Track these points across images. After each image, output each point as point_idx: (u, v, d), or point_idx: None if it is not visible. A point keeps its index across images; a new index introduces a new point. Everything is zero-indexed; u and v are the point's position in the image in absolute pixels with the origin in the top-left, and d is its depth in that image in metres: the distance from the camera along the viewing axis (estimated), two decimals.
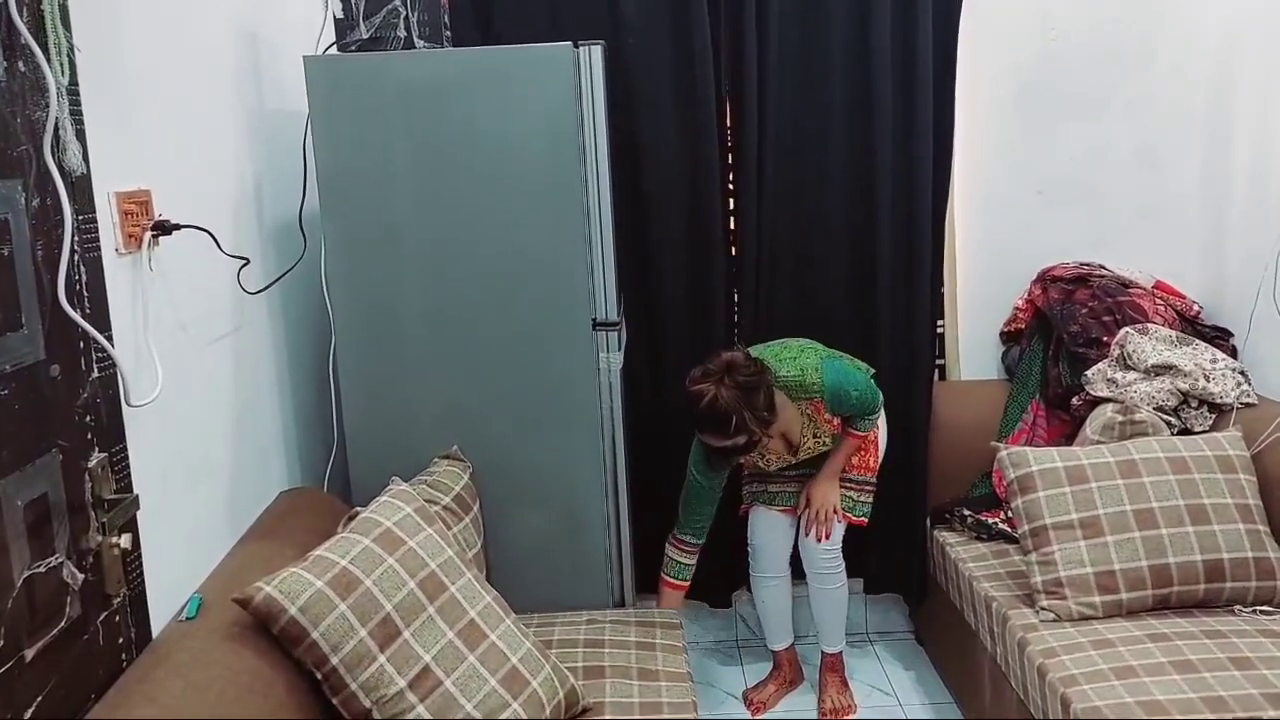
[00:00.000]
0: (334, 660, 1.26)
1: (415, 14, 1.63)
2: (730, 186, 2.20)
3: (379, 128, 1.68)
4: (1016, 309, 2.48)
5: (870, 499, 2.11)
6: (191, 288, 1.42)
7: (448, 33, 1.81)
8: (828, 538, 2.08)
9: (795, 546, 2.16)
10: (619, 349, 1.79)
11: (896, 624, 2.51)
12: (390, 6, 1.61)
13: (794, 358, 1.95)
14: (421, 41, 1.69)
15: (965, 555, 2.14)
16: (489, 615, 1.42)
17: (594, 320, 1.76)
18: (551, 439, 1.81)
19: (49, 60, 1.07)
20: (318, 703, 1.29)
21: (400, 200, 1.71)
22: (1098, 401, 2.16)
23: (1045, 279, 2.42)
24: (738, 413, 1.76)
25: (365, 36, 1.64)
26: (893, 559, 2.33)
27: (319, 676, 1.28)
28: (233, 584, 1.35)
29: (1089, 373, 2.21)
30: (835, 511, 2.06)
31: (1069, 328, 2.29)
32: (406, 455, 1.76)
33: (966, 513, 2.26)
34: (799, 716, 2.19)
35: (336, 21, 1.69)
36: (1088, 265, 2.44)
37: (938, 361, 2.43)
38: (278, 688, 1.23)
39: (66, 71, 1.11)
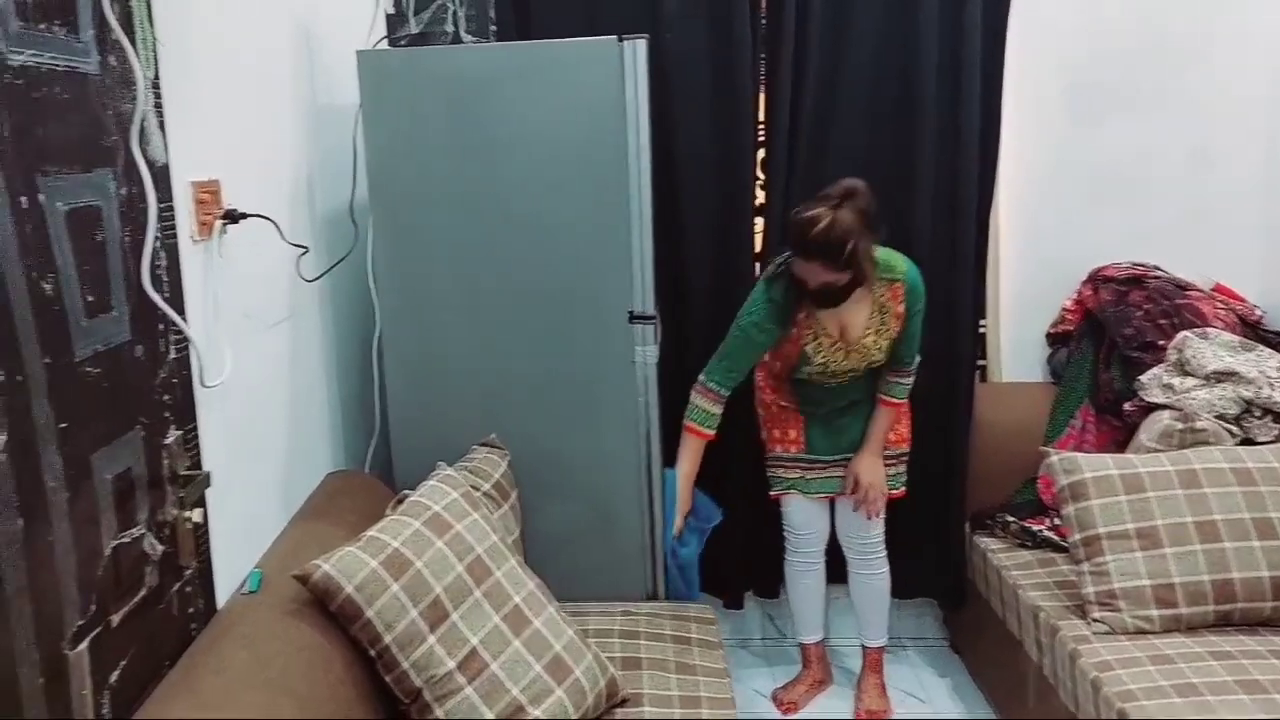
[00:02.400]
0: (387, 639, 1.38)
1: (463, 10, 1.73)
2: (761, 179, 2.28)
3: (427, 121, 1.79)
4: (1065, 310, 2.53)
5: (905, 470, 2.17)
6: (253, 275, 1.54)
7: (493, 28, 1.91)
8: (879, 515, 2.13)
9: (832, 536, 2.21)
10: (655, 342, 1.89)
11: (929, 630, 2.58)
12: (439, 2, 1.72)
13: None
14: (468, 36, 1.80)
15: (1009, 562, 2.20)
16: (532, 602, 1.53)
17: (630, 313, 1.86)
18: (587, 430, 1.91)
19: (137, 54, 1.19)
20: (371, 679, 1.40)
21: (445, 192, 1.83)
22: (1152, 408, 2.20)
23: (1097, 279, 2.47)
24: (854, 239, 1.76)
25: (415, 31, 1.75)
26: (928, 563, 2.40)
27: (372, 654, 1.39)
28: (289, 561, 1.47)
29: (1143, 378, 2.26)
30: (882, 486, 2.10)
31: (1122, 330, 2.33)
32: (446, 441, 1.87)
33: (1010, 519, 2.32)
34: (833, 718, 2.27)
35: (388, 17, 1.80)
36: (1142, 266, 2.48)
37: (979, 362, 2.49)
38: (336, 663, 1.34)
39: (151, 65, 1.23)
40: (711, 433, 2.01)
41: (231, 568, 1.43)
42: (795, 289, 1.93)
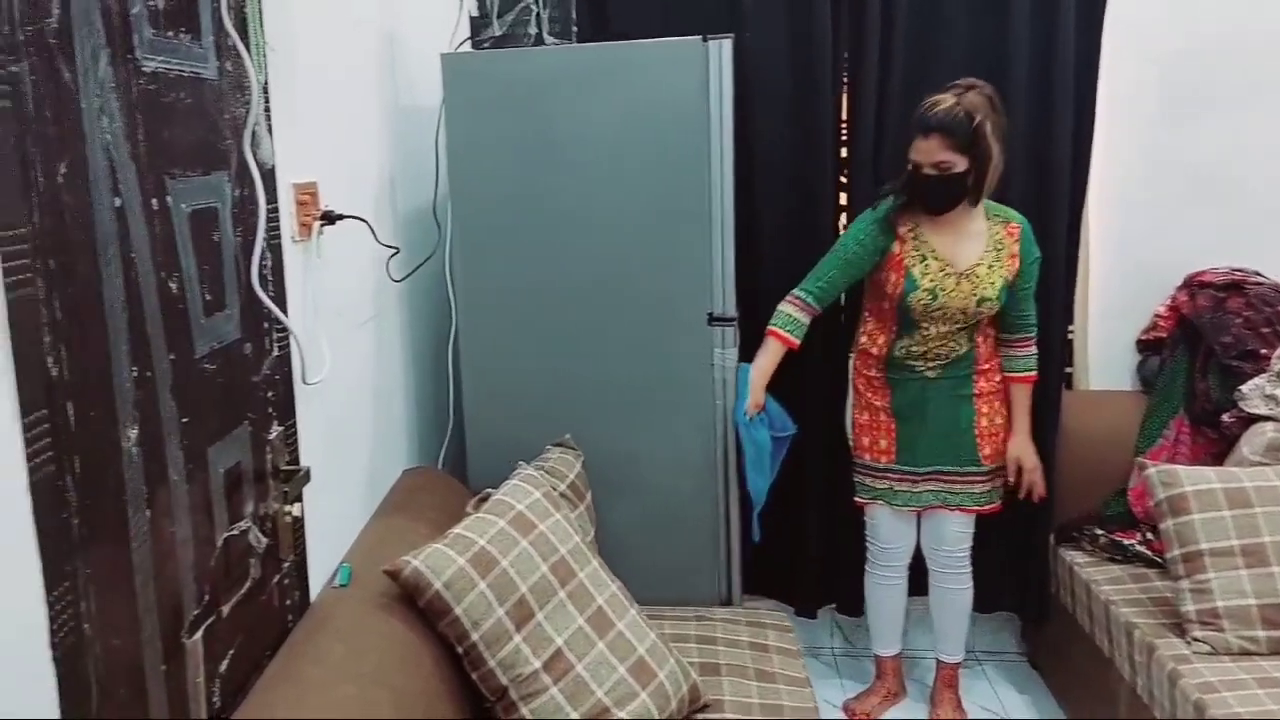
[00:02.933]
0: (474, 636, 1.43)
1: (546, 11, 1.78)
2: (843, 180, 2.29)
3: (508, 122, 1.85)
4: (1157, 316, 2.50)
5: (1002, 485, 2.16)
6: (344, 275, 1.61)
7: (575, 29, 1.97)
8: (1044, 498, 2.14)
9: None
10: (734, 344, 1.91)
11: (1007, 644, 2.57)
12: (523, 4, 1.77)
13: None
14: (551, 38, 1.85)
15: (1098, 577, 2.19)
16: (615, 604, 1.57)
17: (710, 315, 1.90)
18: (663, 433, 1.95)
19: (252, 59, 1.26)
20: (457, 676, 1.46)
21: (525, 193, 1.89)
22: (1253, 420, 2.18)
23: (1193, 285, 2.44)
24: (981, 117, 1.82)
25: (498, 34, 1.81)
26: (1009, 576, 2.39)
27: (460, 651, 1.45)
28: (375, 555, 1.54)
29: (1244, 388, 2.23)
30: (1039, 470, 2.12)
31: (1221, 339, 2.30)
32: (519, 440, 1.93)
33: (1099, 532, 2.31)
34: None
35: (471, 20, 1.86)
36: (1241, 271, 2.44)
37: (1065, 369, 2.47)
38: (425, 659, 1.40)
39: (263, 70, 1.30)
40: (795, 340, 2.03)
41: (322, 561, 1.50)
42: (900, 201, 1.97)
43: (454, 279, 1.97)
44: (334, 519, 1.58)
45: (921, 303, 1.99)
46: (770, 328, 2.04)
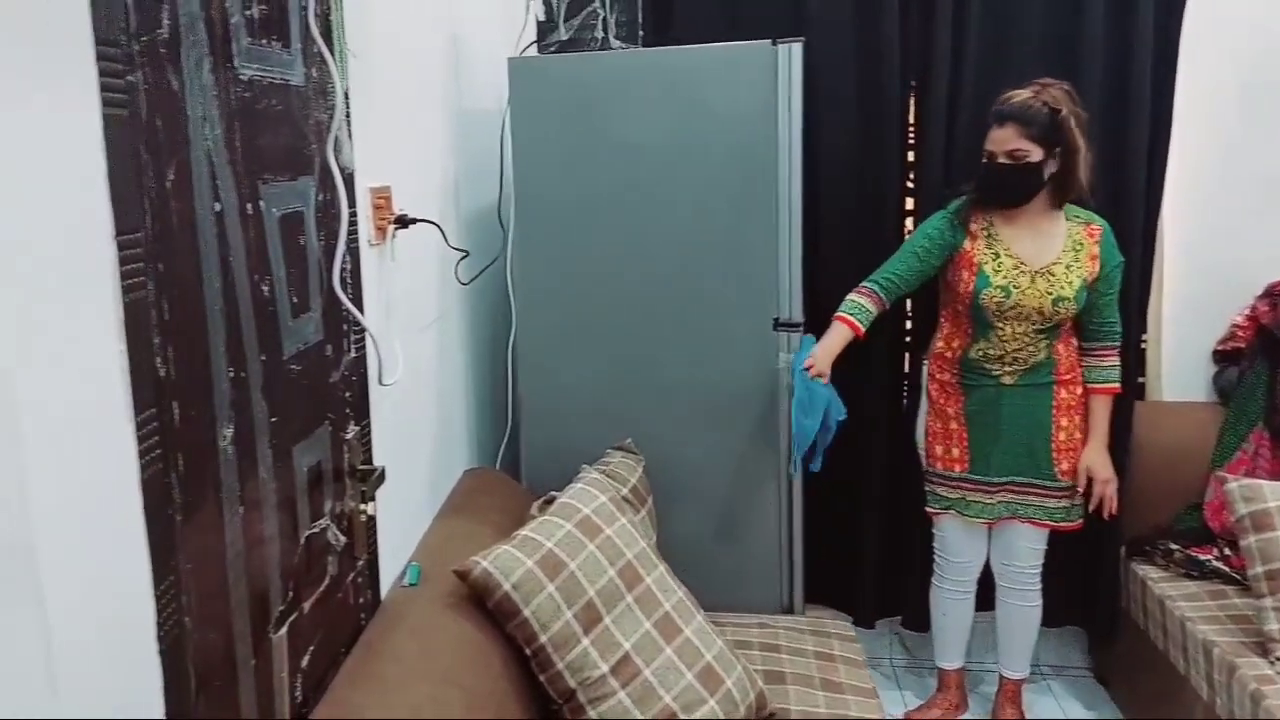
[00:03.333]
0: (543, 638, 1.47)
1: (613, 15, 1.82)
2: (910, 185, 2.30)
3: (573, 126, 1.89)
4: (1235, 326, 2.48)
5: (1083, 501, 2.13)
6: (413, 277, 1.66)
7: (642, 33, 2.00)
8: (1116, 515, 2.11)
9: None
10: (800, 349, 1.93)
11: (1072, 659, 2.55)
12: (590, 8, 1.81)
13: None
14: (617, 42, 1.88)
15: (1173, 592, 2.17)
16: (682, 610, 1.60)
17: (776, 320, 1.92)
18: (724, 437, 1.98)
19: (336, 66, 1.31)
20: (524, 677, 1.49)
21: (589, 196, 1.93)
22: None
23: (1274, 293, 2.41)
24: (1061, 109, 1.85)
25: (565, 38, 1.85)
26: (1077, 590, 2.38)
27: (528, 652, 1.48)
28: (441, 555, 1.58)
29: None
30: (1114, 483, 2.09)
31: None
32: (577, 443, 1.98)
33: (1173, 546, 2.29)
34: None
35: (538, 24, 1.91)
36: None
37: (1138, 380, 2.45)
38: (494, 659, 1.44)
39: (345, 76, 1.35)
40: (861, 327, 2.04)
41: (391, 560, 1.55)
42: (973, 198, 1.99)
43: (514, 281, 2.02)
44: (401, 518, 1.63)
45: (995, 300, 1.98)
46: (837, 313, 2.06)
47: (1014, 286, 1.98)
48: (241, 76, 1.11)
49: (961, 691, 2.34)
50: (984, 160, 1.97)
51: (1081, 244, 2.01)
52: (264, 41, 1.17)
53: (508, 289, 2.05)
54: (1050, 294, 1.98)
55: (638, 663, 1.51)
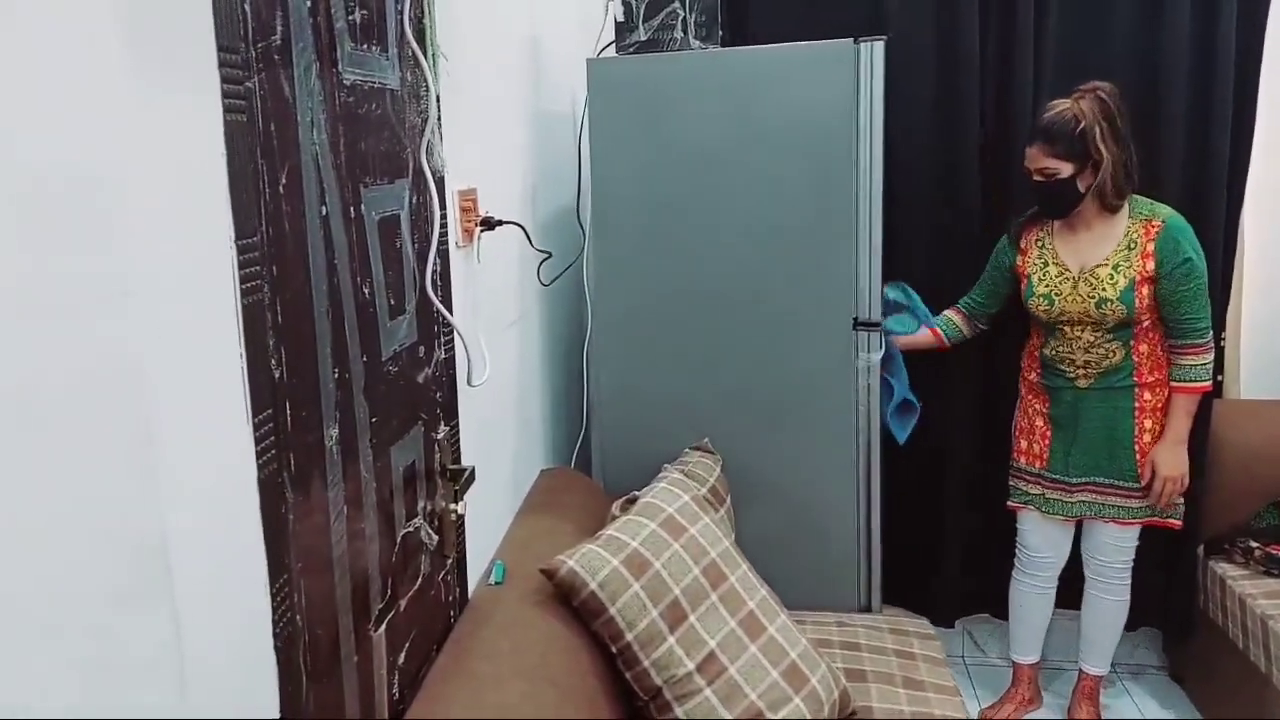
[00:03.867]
0: (628, 636, 1.44)
1: (693, 16, 1.78)
2: (986, 187, 2.24)
3: (652, 126, 1.86)
4: None
5: (1183, 501, 2.08)
6: (496, 278, 1.64)
7: (721, 33, 1.97)
8: (1169, 507, 2.05)
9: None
10: (879, 349, 1.88)
11: (1145, 659, 2.49)
12: (670, 8, 1.77)
13: None
14: (697, 42, 1.85)
15: (1253, 590, 2.10)
16: (766, 608, 1.56)
17: (855, 319, 1.87)
18: (802, 437, 1.94)
19: (430, 69, 1.29)
20: (610, 674, 1.47)
21: (667, 196, 1.90)
22: None
23: None
24: (1084, 124, 1.85)
25: (644, 38, 1.82)
26: (1152, 589, 2.30)
27: (613, 650, 1.46)
28: (524, 554, 1.56)
29: None
30: (1180, 481, 2.00)
31: None
32: (653, 443, 1.95)
33: (1253, 544, 2.22)
34: None
35: (616, 24, 1.88)
36: None
37: (1216, 378, 2.36)
38: (583, 656, 1.42)
39: (437, 79, 1.33)
40: (945, 338, 2.15)
41: (475, 559, 1.53)
42: (1030, 213, 2.04)
43: (591, 281, 1.99)
44: (485, 517, 1.61)
45: (1041, 309, 2.02)
46: (929, 324, 2.16)
47: (1055, 294, 2.00)
48: (345, 81, 1.10)
49: (1035, 686, 2.29)
50: (1027, 181, 2.01)
51: (1135, 242, 1.95)
52: (364, 46, 1.15)
53: (583, 289, 2.02)
54: (1092, 298, 1.96)
55: (723, 660, 1.47)
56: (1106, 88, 1.91)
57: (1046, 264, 2.02)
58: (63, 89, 0.68)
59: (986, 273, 2.14)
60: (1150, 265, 1.94)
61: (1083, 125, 1.87)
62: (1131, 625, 2.35)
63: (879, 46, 1.77)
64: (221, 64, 0.85)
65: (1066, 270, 1.99)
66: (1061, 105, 1.91)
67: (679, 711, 1.44)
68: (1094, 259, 1.98)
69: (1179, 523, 2.07)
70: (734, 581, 1.55)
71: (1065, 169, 1.90)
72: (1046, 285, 2.00)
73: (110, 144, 0.73)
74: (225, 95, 0.86)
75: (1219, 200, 2.15)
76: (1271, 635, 1.94)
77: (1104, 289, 1.95)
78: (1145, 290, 1.95)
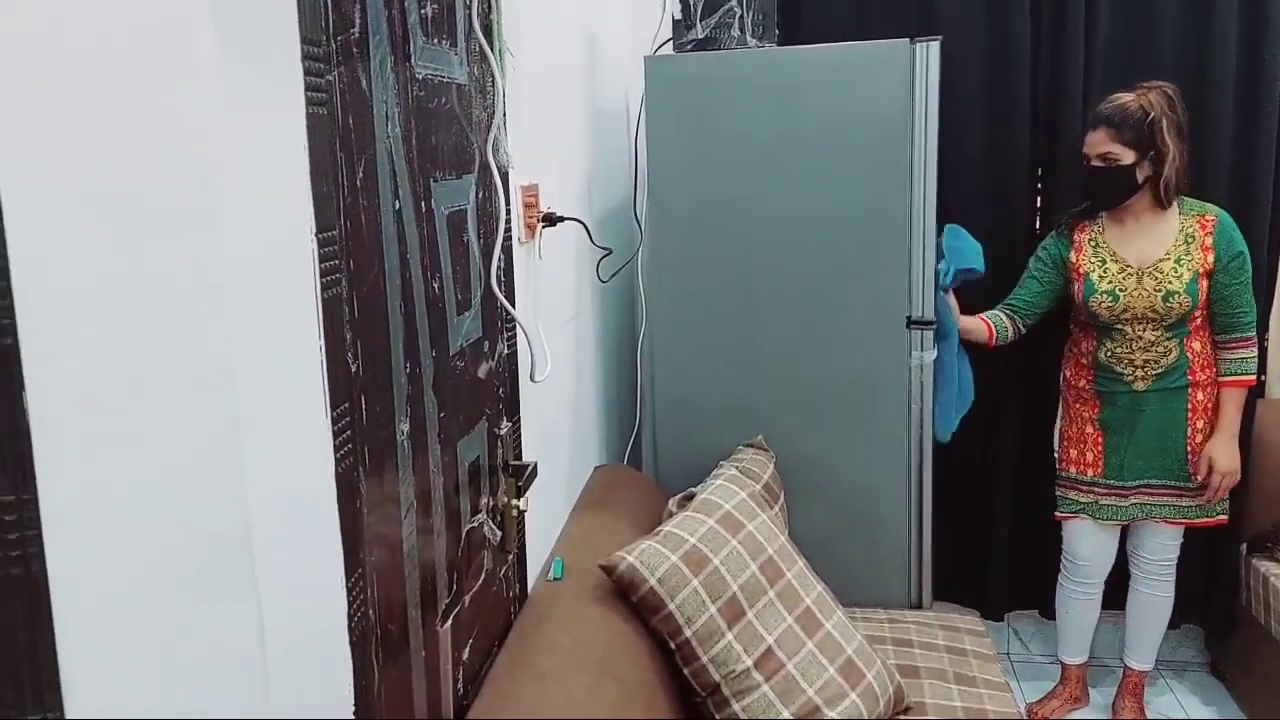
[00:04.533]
0: (687, 632, 1.40)
1: (749, 14, 1.73)
2: (1039, 187, 2.20)
3: (708, 124, 1.81)
4: None
5: (1228, 498, 2.02)
6: (555, 274, 1.60)
7: (778, 32, 1.93)
8: (1217, 499, 2.00)
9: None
10: (933, 347, 1.83)
11: (1188, 656, 2.43)
12: (727, 6, 1.72)
13: None
14: (753, 40, 1.80)
15: None
16: (822, 605, 1.51)
17: (909, 318, 1.82)
18: (855, 434, 1.88)
19: (498, 64, 1.25)
20: (669, 670, 1.42)
21: (720, 194, 1.85)
22: None
23: None
24: (1153, 114, 1.81)
25: (701, 36, 1.77)
26: (1195, 587, 2.25)
27: (672, 646, 1.42)
28: (582, 550, 1.52)
29: None
30: (1235, 475, 1.96)
31: None
32: (706, 440, 1.90)
33: None
34: None
35: (674, 22, 1.83)
36: None
37: (1260, 378, 2.29)
38: (642, 652, 1.37)
39: (504, 75, 1.29)
40: (994, 332, 2.04)
41: (534, 555, 1.49)
42: (1080, 208, 1.97)
43: (646, 278, 1.95)
44: (543, 514, 1.57)
45: (1104, 306, 1.93)
46: (982, 315, 2.08)
47: (1120, 290, 1.93)
48: (417, 75, 1.06)
49: (1083, 685, 2.23)
50: (1083, 163, 1.94)
51: (1193, 236, 1.92)
52: (435, 40, 1.12)
53: (637, 286, 1.97)
54: (1159, 291, 1.90)
55: (780, 656, 1.42)
56: (1171, 87, 1.87)
57: (1105, 261, 1.95)
58: (154, 78, 0.65)
59: (1032, 272, 2.06)
60: (1210, 259, 1.91)
61: (1152, 116, 1.83)
62: (1174, 623, 2.29)
63: (934, 46, 1.71)
64: (304, 56, 0.82)
65: (1128, 266, 1.93)
66: (1127, 96, 1.86)
67: (736, 707, 1.40)
68: (1154, 254, 1.92)
69: (1226, 518, 2.02)
70: (791, 578, 1.50)
71: (1128, 156, 1.85)
72: (1110, 282, 1.93)
73: (199, 135, 0.70)
74: (308, 88, 0.82)
75: (1265, 202, 2.10)
76: None
77: (1170, 282, 1.90)
78: (1204, 284, 1.92)
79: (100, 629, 0.59)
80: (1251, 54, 2.05)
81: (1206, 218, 1.92)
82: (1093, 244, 1.96)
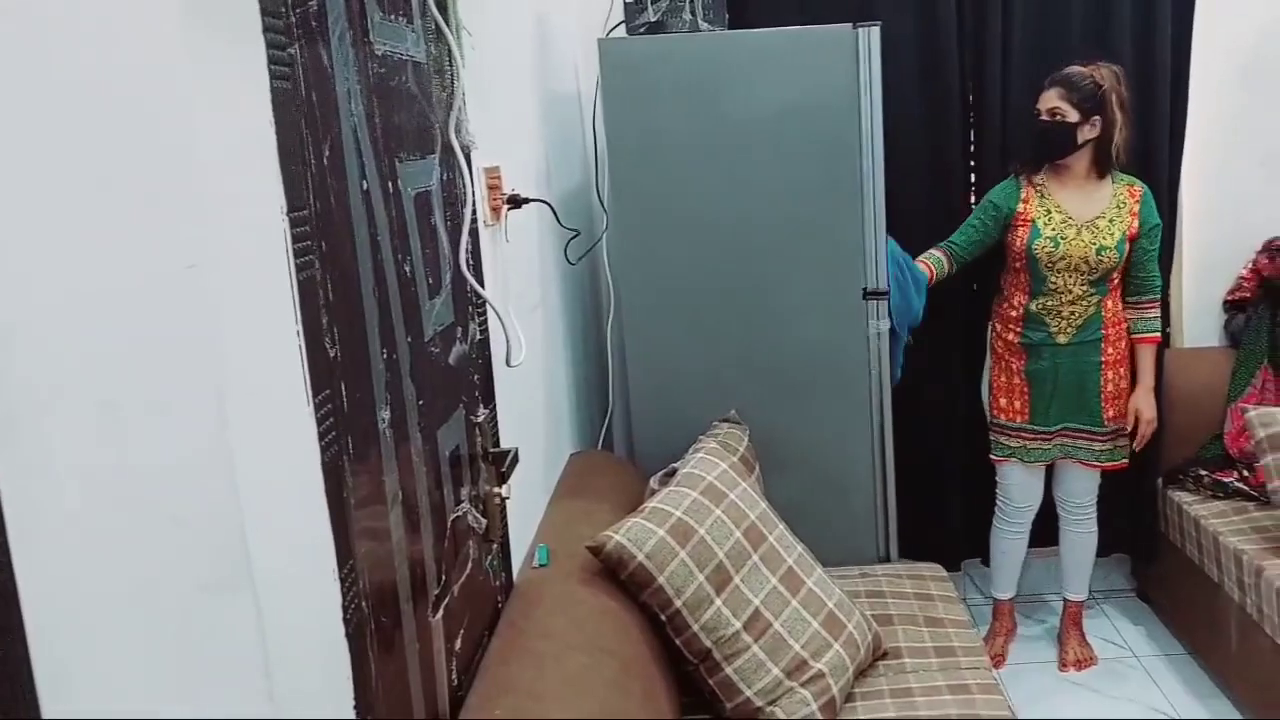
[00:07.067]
0: (678, 603, 1.34)
1: None
2: (972, 150, 2.22)
3: (663, 106, 1.75)
4: (1241, 278, 2.45)
5: (1126, 443, 2.10)
6: (520, 258, 1.51)
7: (727, 15, 1.87)
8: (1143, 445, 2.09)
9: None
10: (888, 316, 1.83)
11: (1117, 583, 2.53)
12: None
13: None
14: (704, 24, 1.74)
15: (1204, 513, 2.17)
16: (803, 564, 1.48)
17: (864, 290, 1.80)
18: (821, 404, 1.86)
19: (457, 43, 1.15)
20: (660, 642, 1.36)
21: (681, 175, 1.78)
22: None
23: (1271, 249, 2.39)
24: (1109, 86, 1.89)
25: (653, 19, 1.70)
26: (1120, 520, 2.33)
27: (663, 618, 1.35)
28: (564, 535, 1.44)
29: None
30: (1154, 423, 2.07)
31: None
32: (679, 418, 1.83)
33: (1202, 473, 2.27)
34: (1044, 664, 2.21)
35: (625, 6, 1.75)
36: None
37: (1165, 330, 2.38)
38: (633, 627, 1.31)
39: (463, 54, 1.19)
40: (932, 268, 2.06)
41: (517, 542, 1.40)
42: (1025, 160, 2.02)
43: (610, 262, 1.87)
44: (523, 501, 1.48)
45: (1045, 250, 1.99)
46: (919, 257, 2.08)
47: (1061, 238, 1.99)
48: (376, 52, 0.96)
49: (1013, 616, 2.31)
50: (1031, 127, 1.99)
51: (1124, 202, 2.01)
52: (392, 17, 1.02)
53: (602, 268, 1.89)
54: (1094, 244, 1.98)
55: (767, 616, 1.38)
56: (1118, 67, 1.95)
57: (1050, 211, 2.00)
58: (117, 47, 0.56)
59: (976, 218, 2.08)
60: (1135, 224, 2.00)
61: (1105, 87, 1.90)
62: (1102, 553, 2.37)
63: (875, 31, 1.70)
64: (266, 29, 0.72)
65: (1070, 218, 1.99)
66: (1081, 67, 1.92)
67: (729, 669, 1.34)
68: (1091, 212, 1.99)
69: (1127, 462, 2.12)
70: (773, 541, 1.46)
71: (1073, 115, 1.91)
72: (1053, 229, 1.98)
73: (170, 111, 0.60)
74: (271, 60, 0.72)
75: (1163, 169, 2.18)
76: (1222, 549, 2.00)
77: (1104, 238, 1.97)
78: (1128, 246, 2.00)
79: (108, 628, 0.52)
80: (1144, 42, 2.12)
81: (1135, 189, 2.02)
82: (1040, 196, 2.03)
